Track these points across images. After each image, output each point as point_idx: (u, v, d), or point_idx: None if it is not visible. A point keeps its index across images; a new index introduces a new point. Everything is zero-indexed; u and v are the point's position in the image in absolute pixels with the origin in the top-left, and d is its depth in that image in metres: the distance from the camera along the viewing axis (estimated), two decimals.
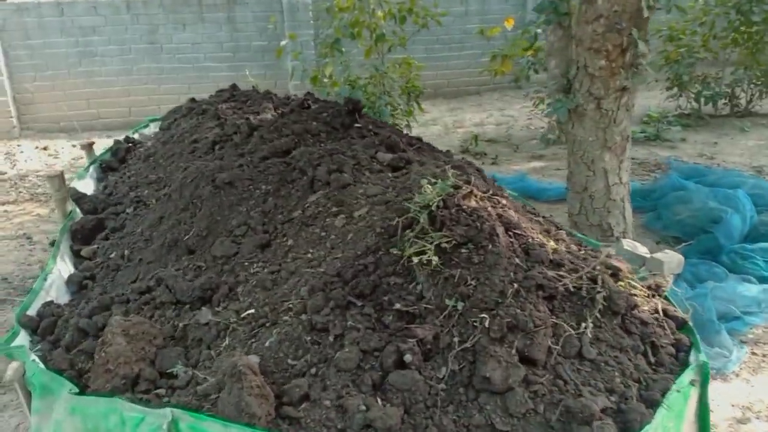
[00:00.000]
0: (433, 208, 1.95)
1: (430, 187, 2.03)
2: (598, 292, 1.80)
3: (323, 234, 2.40)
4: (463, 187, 2.03)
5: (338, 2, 6.92)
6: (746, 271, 3.83)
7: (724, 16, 7.65)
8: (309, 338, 1.91)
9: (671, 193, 4.81)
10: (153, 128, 5.88)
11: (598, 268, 1.83)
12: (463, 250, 1.85)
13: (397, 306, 1.85)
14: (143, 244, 3.09)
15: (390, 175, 2.75)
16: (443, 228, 1.91)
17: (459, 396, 1.65)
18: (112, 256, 3.24)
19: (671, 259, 2.57)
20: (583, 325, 1.75)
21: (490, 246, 1.84)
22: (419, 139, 3.65)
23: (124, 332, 2.09)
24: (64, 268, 3.17)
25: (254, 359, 1.89)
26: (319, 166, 2.87)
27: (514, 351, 1.66)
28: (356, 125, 3.43)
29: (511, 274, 1.80)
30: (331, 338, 1.87)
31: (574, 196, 4.36)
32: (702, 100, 8.28)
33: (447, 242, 1.85)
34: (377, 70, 6.86)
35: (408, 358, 1.69)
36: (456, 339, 1.74)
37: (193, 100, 5.39)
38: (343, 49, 6.48)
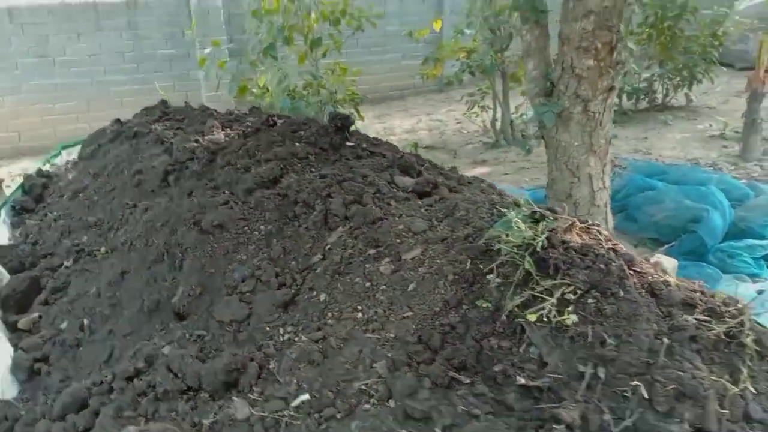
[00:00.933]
0: (538, 248, 1.59)
1: (520, 221, 1.66)
2: (747, 335, 1.53)
3: (368, 285, 1.97)
4: (559, 219, 1.69)
5: (264, 4, 6.39)
6: (736, 270, 3.81)
7: (640, 12, 7.90)
8: (405, 431, 1.49)
9: (639, 194, 4.76)
10: (66, 156, 5.08)
11: (740, 306, 1.56)
12: (589, 300, 1.51)
13: (521, 380, 1.47)
14: (108, 310, 2.49)
15: (420, 203, 2.35)
16: (557, 273, 1.55)
17: None
18: (64, 326, 2.61)
19: (666, 264, 2.39)
20: (741, 377, 1.47)
21: (622, 292, 1.52)
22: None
23: None
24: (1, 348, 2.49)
25: None
26: (329, 197, 2.42)
27: (687, 426, 1.34)
28: (348, 144, 2.99)
29: (654, 325, 1.49)
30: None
31: (557, 204, 4.16)
32: (623, 95, 8.53)
33: (570, 291, 1.50)
34: (314, 77, 6.40)
35: None
36: (608, 417, 1.39)
37: (118, 121, 4.67)
38: (278, 56, 5.95)
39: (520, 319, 1.57)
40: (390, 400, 1.56)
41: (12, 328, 2.72)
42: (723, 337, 1.52)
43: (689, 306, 1.59)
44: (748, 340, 1.52)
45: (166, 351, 2.12)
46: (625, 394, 1.42)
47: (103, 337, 2.38)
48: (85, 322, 2.53)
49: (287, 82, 5.94)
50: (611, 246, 1.67)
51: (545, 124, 3.88)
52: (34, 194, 4.19)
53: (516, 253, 1.61)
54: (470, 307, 1.69)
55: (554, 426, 1.38)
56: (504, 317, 1.61)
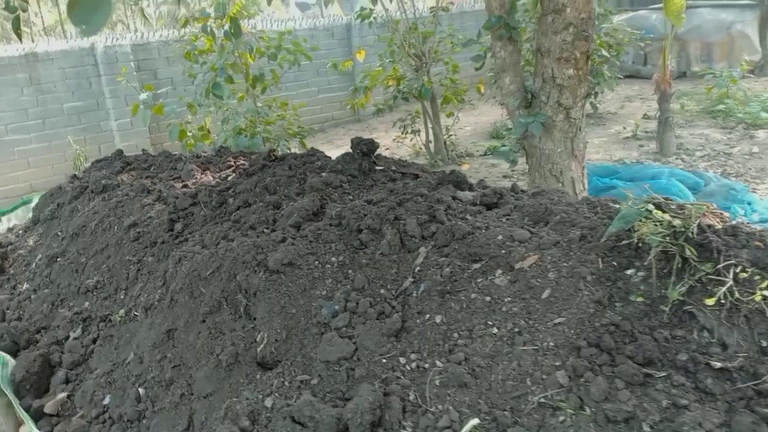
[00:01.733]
0: (691, 234, 1.62)
1: (662, 215, 1.70)
2: None
3: (488, 299, 1.91)
4: (685, 207, 1.74)
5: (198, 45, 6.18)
6: None
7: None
8: None
9: (602, 195, 5.02)
10: (7, 223, 4.56)
11: None
12: (755, 278, 1.56)
13: (717, 364, 1.48)
14: (169, 373, 2.22)
15: (494, 213, 2.34)
16: (719, 256, 1.60)
17: None
18: (107, 402, 2.30)
19: None
20: None
21: None
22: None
23: None
24: None
25: None
26: (397, 219, 2.34)
27: None
28: (378, 168, 2.92)
29: None
30: (647, 430, 1.43)
31: None
32: None
33: (740, 274, 1.55)
34: (259, 114, 6.23)
35: None
36: None
37: (75, 177, 4.26)
38: (224, 95, 5.72)
39: (688, 307, 1.60)
40: (584, 407, 1.51)
41: (37, 415, 2.35)
42: None
43: None
44: None
45: (268, 403, 1.92)
46: None
47: (174, 403, 2.12)
48: (141, 391, 2.24)
49: (238, 120, 5.73)
50: (741, 224, 1.75)
51: (528, 135, 4.03)
52: None
53: (670, 242, 1.64)
54: (624, 304, 1.70)
55: (762, 401, 1.40)
56: (667, 308, 1.62)
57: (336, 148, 10.08)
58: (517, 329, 1.78)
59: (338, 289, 2.19)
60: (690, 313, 1.60)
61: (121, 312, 2.72)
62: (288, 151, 5.34)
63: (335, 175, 2.88)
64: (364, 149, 2.94)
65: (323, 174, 2.92)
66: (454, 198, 2.46)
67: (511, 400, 1.63)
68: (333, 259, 2.30)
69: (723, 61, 10.30)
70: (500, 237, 2.07)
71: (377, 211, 2.40)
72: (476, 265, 2.04)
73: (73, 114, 8.69)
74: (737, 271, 1.55)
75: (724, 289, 1.54)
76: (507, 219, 2.26)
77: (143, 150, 5.38)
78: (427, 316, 1.98)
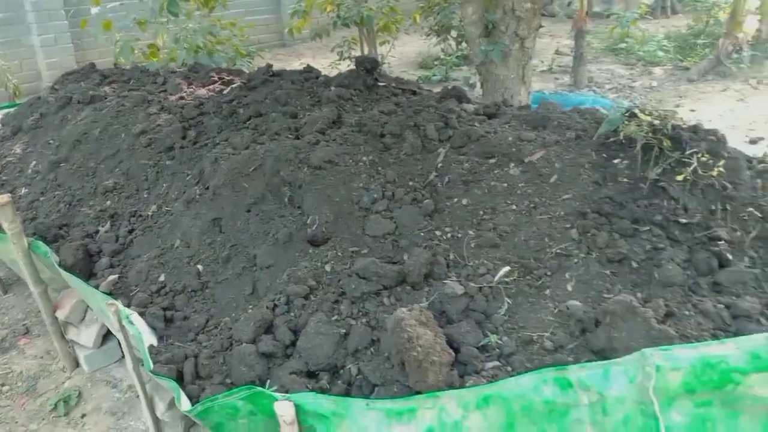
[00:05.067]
0: (666, 131, 2.20)
1: (643, 116, 2.26)
2: None
3: (505, 185, 2.42)
4: (657, 112, 2.32)
5: None
6: None
7: None
8: (609, 271, 2.03)
9: None
10: None
11: None
12: (710, 162, 2.17)
13: (682, 220, 2.09)
14: (227, 252, 2.57)
15: (495, 121, 2.82)
16: (685, 146, 2.18)
17: None
18: (162, 279, 2.62)
19: None
20: None
21: (726, 153, 2.20)
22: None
23: (419, 322, 1.87)
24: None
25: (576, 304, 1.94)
26: (417, 126, 2.76)
27: None
28: (380, 84, 3.31)
29: (748, 171, 2.21)
30: (635, 265, 2.02)
31: None
32: (464, 42, 9.53)
33: (701, 158, 2.14)
34: (212, 33, 6.28)
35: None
36: (739, 232, 2.08)
37: (54, 88, 4.26)
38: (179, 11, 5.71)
39: (661, 183, 2.18)
40: (591, 253, 2.08)
41: None
42: None
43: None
44: None
45: (328, 268, 2.35)
46: (745, 218, 2.11)
47: (236, 274, 2.48)
48: (200, 267, 2.57)
49: (197, 38, 5.77)
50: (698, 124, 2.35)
51: (487, 61, 4.51)
52: None
53: (653, 138, 2.20)
54: (615, 183, 2.26)
55: (714, 242, 2.03)
56: (646, 185, 2.20)
57: None
58: (533, 205, 2.31)
59: (373, 182, 2.61)
60: (663, 187, 2.18)
61: (153, 207, 2.98)
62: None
63: (344, 89, 3.23)
64: (368, 66, 3.30)
65: (332, 88, 3.26)
66: (451, 110, 2.91)
67: (534, 252, 2.16)
68: (364, 158, 2.71)
69: (621, 2, 11.37)
70: (510, 138, 2.57)
71: (397, 119, 2.81)
72: (492, 161, 2.53)
73: None
74: (699, 156, 2.15)
75: (689, 170, 2.13)
76: (509, 126, 2.75)
77: (137, 65, 5.30)
78: (455, 199, 2.46)
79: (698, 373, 1.57)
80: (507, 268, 2.13)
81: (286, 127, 3.03)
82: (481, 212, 2.38)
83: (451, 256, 2.26)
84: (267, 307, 2.24)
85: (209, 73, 4.28)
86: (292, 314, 2.21)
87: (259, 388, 1.80)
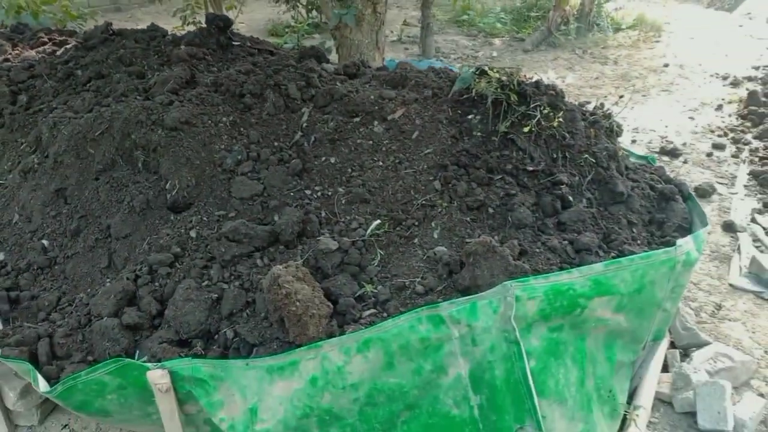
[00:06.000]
0: (513, 86, 2.37)
1: (492, 73, 2.42)
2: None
3: (370, 143, 2.46)
4: (504, 70, 2.49)
5: None
6: None
7: None
8: (470, 218, 2.18)
9: None
10: None
11: None
12: (551, 114, 2.38)
13: (529, 168, 2.29)
14: (75, 223, 2.35)
15: (356, 81, 2.85)
16: (529, 101, 2.38)
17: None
18: (1, 258, 2.35)
19: None
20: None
21: (564, 106, 2.43)
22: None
23: (296, 278, 1.87)
24: None
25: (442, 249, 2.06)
26: (278, 85, 2.70)
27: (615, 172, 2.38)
28: (234, 43, 3.18)
29: (583, 121, 2.46)
30: (491, 210, 2.19)
31: None
32: (314, 10, 9.44)
33: (543, 111, 2.35)
34: None
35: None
36: (578, 177, 2.33)
37: None
38: None
39: (510, 136, 2.36)
40: (453, 201, 2.20)
41: None
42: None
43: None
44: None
45: (193, 234, 2.26)
46: (581, 164, 2.37)
47: (89, 246, 2.29)
48: (45, 243, 2.33)
49: None
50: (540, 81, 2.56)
51: (341, 26, 4.52)
52: None
53: (502, 93, 2.36)
54: (470, 137, 2.41)
55: (557, 186, 2.25)
56: (497, 138, 2.37)
57: None
58: (398, 161, 2.38)
59: (236, 143, 2.52)
60: (512, 139, 2.37)
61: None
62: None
63: (195, 48, 3.06)
64: (221, 24, 3.15)
65: (182, 47, 3.06)
66: (312, 69, 2.89)
67: (401, 205, 2.25)
68: (224, 119, 2.60)
69: None
70: (372, 97, 2.61)
71: (256, 78, 2.73)
72: (356, 119, 2.56)
73: None
74: (541, 109, 2.35)
75: (533, 122, 2.33)
76: (369, 85, 2.80)
77: None
78: (323, 158, 2.46)
79: (551, 300, 1.76)
80: (378, 222, 2.20)
81: (133, 88, 2.81)
82: (350, 170, 2.41)
83: (323, 214, 2.28)
84: (128, 279, 2.10)
85: (37, 33, 3.81)
86: (156, 284, 2.10)
87: (129, 360, 1.70)
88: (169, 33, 3.42)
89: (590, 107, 2.93)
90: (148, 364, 1.70)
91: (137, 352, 1.87)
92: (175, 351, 1.84)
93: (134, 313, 1.97)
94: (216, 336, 1.93)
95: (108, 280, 2.21)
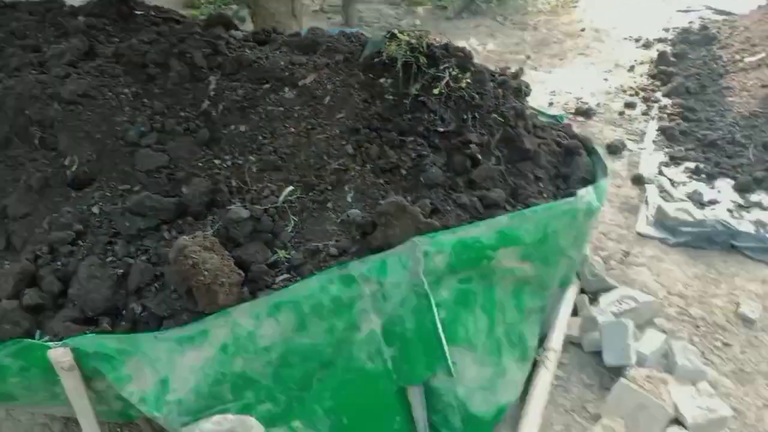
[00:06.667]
0: (422, 49, 2.38)
1: (402, 36, 2.41)
2: None
3: (281, 109, 2.42)
4: (415, 33, 2.50)
5: None
6: None
7: None
8: (383, 180, 2.19)
9: None
10: None
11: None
12: (459, 75, 2.41)
13: (440, 129, 2.31)
14: None
15: (267, 47, 2.79)
16: (438, 63, 2.39)
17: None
18: None
19: None
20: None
21: (473, 67, 2.46)
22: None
23: (204, 248, 1.83)
24: None
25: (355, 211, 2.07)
26: (183, 54, 2.61)
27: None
28: (137, 12, 3.04)
29: (492, 82, 2.51)
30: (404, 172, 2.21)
31: None
32: None
33: (452, 72, 2.37)
34: None
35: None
36: (487, 137, 2.38)
37: None
38: None
39: (421, 98, 2.38)
40: (366, 165, 2.21)
41: None
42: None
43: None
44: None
45: (96, 210, 2.17)
46: (490, 123, 2.42)
47: None
48: None
49: None
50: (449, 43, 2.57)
51: None
52: None
53: (411, 56, 2.37)
54: (381, 101, 2.40)
55: (467, 145, 2.30)
56: (408, 101, 2.38)
57: None
58: (310, 126, 2.36)
59: (139, 115, 2.42)
60: (423, 101, 2.39)
61: None
62: None
63: (96, 18, 2.90)
64: None
65: (81, 18, 2.90)
66: (230, 36, 2.81)
67: (315, 170, 2.23)
68: (126, 90, 2.49)
69: None
70: (282, 63, 2.56)
71: (159, 47, 2.62)
72: (266, 86, 2.51)
73: None
74: (450, 71, 2.37)
75: (442, 83, 2.35)
76: (280, 52, 2.74)
77: None
78: (232, 127, 2.41)
79: (459, 253, 1.81)
80: (290, 188, 2.18)
81: (28, 62, 2.64)
82: (260, 137, 2.37)
83: (234, 183, 2.23)
84: (27, 259, 2.00)
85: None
86: (58, 263, 2.01)
87: (28, 340, 1.63)
88: (67, 4, 3.22)
89: (510, 72, 2.99)
90: (49, 343, 1.63)
91: (38, 332, 1.80)
92: (80, 329, 1.78)
93: (35, 294, 1.88)
94: (124, 312, 1.87)
95: (7, 262, 2.09)
